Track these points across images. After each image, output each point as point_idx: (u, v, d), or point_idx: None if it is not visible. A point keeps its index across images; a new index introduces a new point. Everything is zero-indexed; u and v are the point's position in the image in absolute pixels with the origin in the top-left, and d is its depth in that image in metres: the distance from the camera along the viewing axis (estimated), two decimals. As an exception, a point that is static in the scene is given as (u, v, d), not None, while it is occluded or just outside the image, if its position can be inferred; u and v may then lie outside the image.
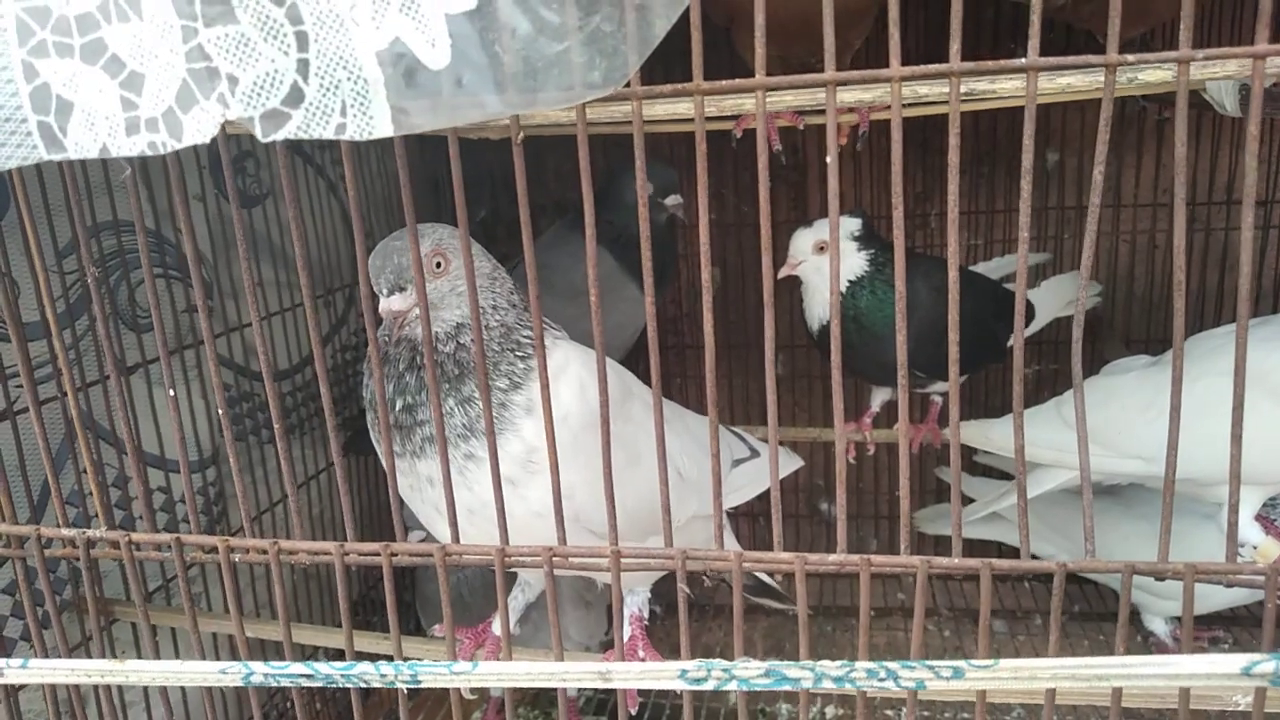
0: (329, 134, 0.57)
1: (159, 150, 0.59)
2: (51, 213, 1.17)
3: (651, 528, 1.04)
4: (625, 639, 0.97)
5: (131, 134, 0.58)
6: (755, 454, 1.38)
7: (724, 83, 0.63)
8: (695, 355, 2.19)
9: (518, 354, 0.98)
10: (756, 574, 1.48)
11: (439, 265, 0.95)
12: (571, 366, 1.00)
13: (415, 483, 0.97)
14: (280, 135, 0.57)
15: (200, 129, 0.58)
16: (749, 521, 2.28)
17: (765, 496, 2.37)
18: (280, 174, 0.70)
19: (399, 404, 0.94)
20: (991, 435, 1.53)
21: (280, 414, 0.80)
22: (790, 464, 1.55)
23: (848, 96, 0.86)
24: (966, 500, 1.73)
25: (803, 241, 1.46)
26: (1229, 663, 0.61)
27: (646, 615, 1.15)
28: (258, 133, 0.58)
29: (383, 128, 0.56)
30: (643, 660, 1.03)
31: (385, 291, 0.91)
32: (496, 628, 1.13)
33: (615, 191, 1.64)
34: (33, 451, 1.13)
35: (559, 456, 0.95)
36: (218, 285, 1.50)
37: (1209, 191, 1.90)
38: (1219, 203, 1.90)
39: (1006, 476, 1.86)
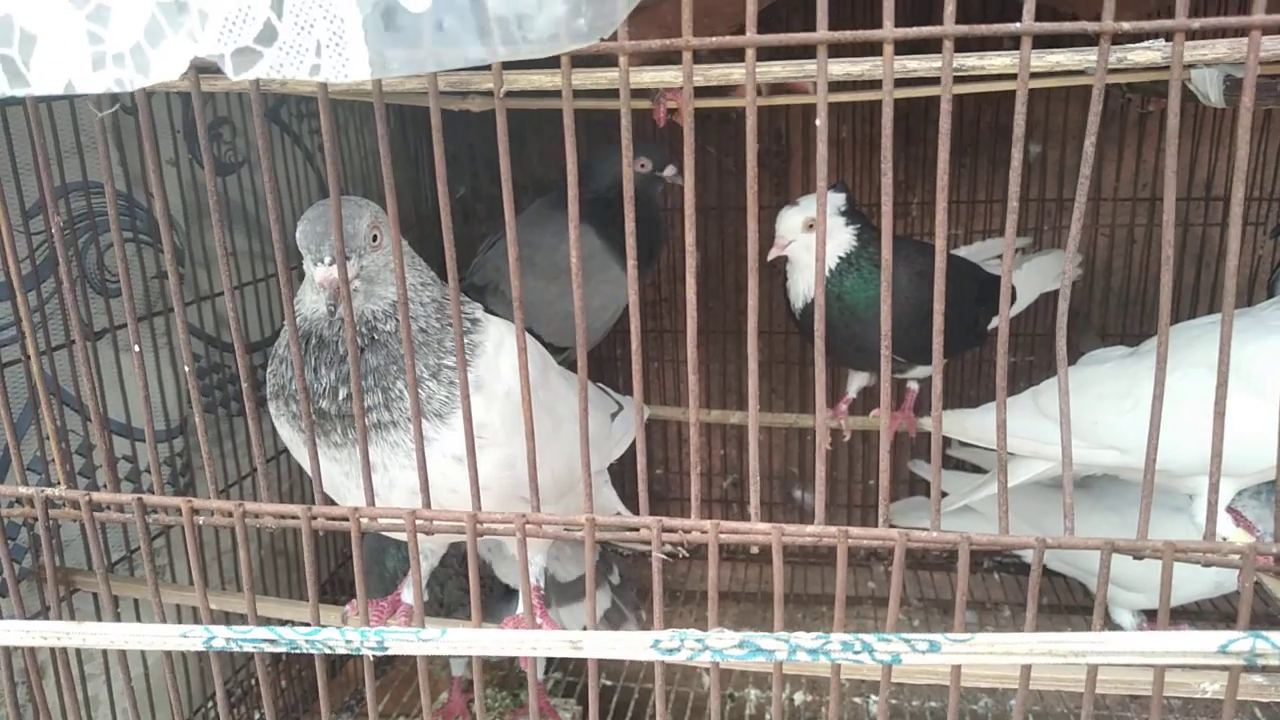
0: (303, 75, 0.55)
1: (125, 87, 0.57)
2: (19, 172, 1.14)
3: (569, 487, 1.09)
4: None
5: (98, 69, 0.56)
6: (621, 407, 1.47)
7: (713, 39, 0.61)
8: (674, 339, 2.18)
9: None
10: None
11: (375, 239, 0.93)
12: (507, 341, 0.99)
13: (352, 470, 0.93)
14: (252, 74, 0.55)
15: (168, 65, 0.55)
16: (723, 507, 2.28)
17: (740, 483, 2.35)
18: (257, 141, 0.68)
19: (341, 392, 0.91)
20: (967, 425, 1.53)
21: (252, 382, 0.78)
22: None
23: (836, 70, 0.84)
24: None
25: (791, 220, 1.43)
26: (1205, 640, 0.61)
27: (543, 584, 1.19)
28: (228, 70, 0.55)
29: (358, 70, 0.54)
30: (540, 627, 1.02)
31: (328, 260, 0.87)
32: (405, 596, 1.14)
33: (600, 169, 1.62)
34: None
35: (504, 430, 0.95)
36: (189, 253, 1.47)
37: (1189, 187, 1.91)
38: (1198, 198, 1.91)
39: (979, 470, 1.86)
